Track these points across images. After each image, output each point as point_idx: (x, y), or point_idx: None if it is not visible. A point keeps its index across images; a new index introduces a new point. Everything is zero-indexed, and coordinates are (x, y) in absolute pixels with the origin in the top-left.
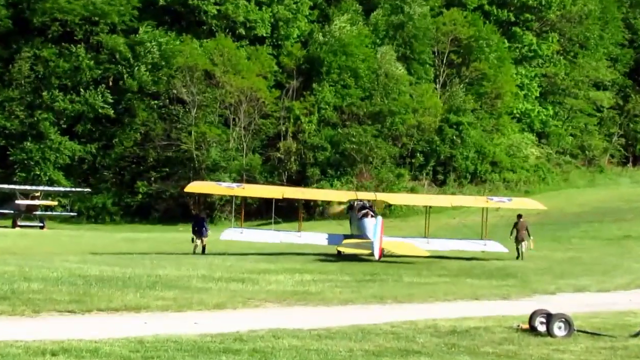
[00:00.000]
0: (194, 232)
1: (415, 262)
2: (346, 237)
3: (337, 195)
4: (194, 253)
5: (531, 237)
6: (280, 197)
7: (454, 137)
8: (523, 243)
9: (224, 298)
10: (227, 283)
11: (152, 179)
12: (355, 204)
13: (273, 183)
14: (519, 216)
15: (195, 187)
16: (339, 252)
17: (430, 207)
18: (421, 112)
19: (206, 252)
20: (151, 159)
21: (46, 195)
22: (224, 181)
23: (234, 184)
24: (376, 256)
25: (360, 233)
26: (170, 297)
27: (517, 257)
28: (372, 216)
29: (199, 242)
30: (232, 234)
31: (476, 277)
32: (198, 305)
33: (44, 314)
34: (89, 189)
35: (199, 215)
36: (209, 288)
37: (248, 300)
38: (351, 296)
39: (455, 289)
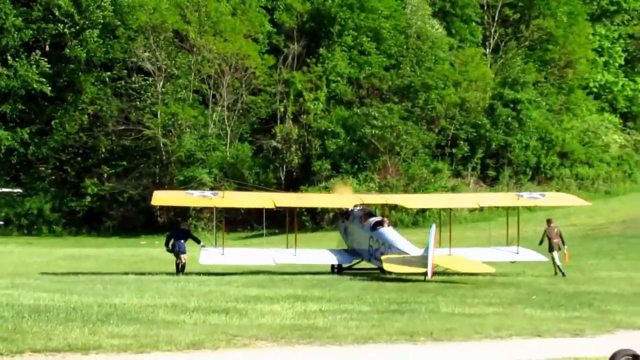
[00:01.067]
0: (170, 247)
1: (456, 286)
2: (349, 252)
3: (339, 201)
4: (179, 272)
5: (565, 247)
6: (272, 207)
7: (510, 119)
8: (555, 254)
9: (201, 335)
10: (206, 315)
11: (105, 176)
12: (356, 211)
13: (265, 182)
14: (549, 221)
15: (161, 197)
16: (333, 267)
17: (451, 209)
18: (465, 86)
19: (184, 271)
20: (103, 150)
21: None
22: (201, 178)
23: (209, 192)
24: (429, 274)
25: (374, 247)
26: (129, 334)
27: (556, 274)
28: (388, 225)
29: (181, 259)
30: (212, 256)
31: (538, 306)
32: (166, 344)
33: None
34: (19, 190)
35: (181, 226)
36: (180, 322)
37: (234, 337)
38: (371, 332)
39: (509, 322)
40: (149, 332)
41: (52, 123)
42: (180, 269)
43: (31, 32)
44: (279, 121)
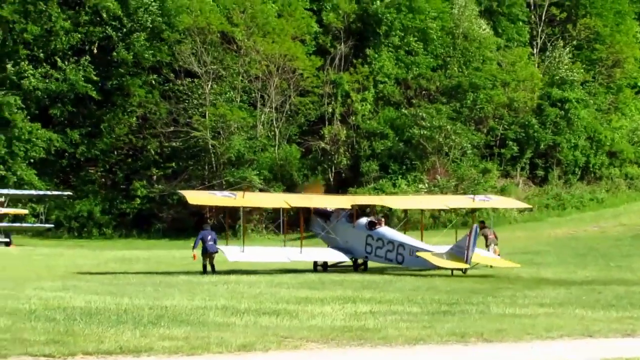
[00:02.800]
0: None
1: (506, 287)
2: (340, 249)
3: (339, 201)
4: (206, 272)
5: (496, 245)
6: (286, 207)
7: (558, 119)
8: (491, 248)
9: (252, 337)
10: (256, 317)
11: (154, 178)
12: (341, 211)
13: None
14: (482, 222)
15: (193, 197)
16: (316, 265)
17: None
18: (513, 86)
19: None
20: (152, 152)
21: (13, 200)
22: (251, 180)
23: (230, 193)
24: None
25: (375, 246)
26: (180, 336)
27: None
28: (384, 224)
29: (211, 259)
30: (236, 253)
31: (589, 307)
32: (217, 346)
33: (13, 358)
34: (69, 192)
35: (205, 227)
36: (231, 323)
37: (284, 339)
38: (422, 333)
39: (561, 323)
40: (200, 334)
41: (102, 126)
42: (211, 269)
43: (79, 35)
44: (327, 122)
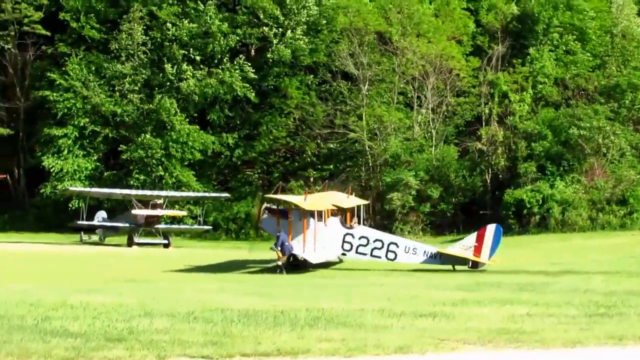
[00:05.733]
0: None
1: None
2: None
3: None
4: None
5: None
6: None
7: None
8: None
9: (409, 339)
10: (413, 319)
11: (311, 179)
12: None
13: (472, 185)
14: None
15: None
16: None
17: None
18: None
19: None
20: (309, 153)
21: (171, 202)
22: (407, 180)
23: (299, 197)
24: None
25: (356, 244)
26: (337, 338)
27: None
28: (357, 223)
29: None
30: (312, 254)
31: None
32: (374, 348)
33: None
34: (227, 194)
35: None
36: (388, 326)
37: (441, 341)
38: (579, 336)
39: None
40: (357, 336)
41: (260, 129)
42: (283, 269)
43: (237, 37)
44: (484, 123)
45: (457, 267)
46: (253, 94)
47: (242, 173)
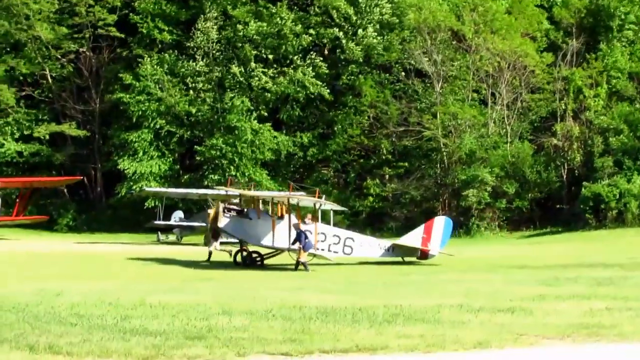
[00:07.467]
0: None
1: None
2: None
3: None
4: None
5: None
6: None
7: None
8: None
9: (487, 334)
10: (491, 314)
11: (387, 177)
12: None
13: (548, 181)
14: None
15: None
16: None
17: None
18: None
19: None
20: (384, 151)
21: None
22: (483, 177)
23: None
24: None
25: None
26: (415, 334)
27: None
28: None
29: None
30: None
31: None
32: (453, 344)
33: (251, 357)
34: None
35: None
36: (466, 321)
37: (520, 336)
38: None
39: None
40: (435, 332)
41: (335, 127)
42: (299, 265)
43: (310, 38)
44: (559, 119)
45: (407, 259)
46: (327, 92)
47: (317, 171)
